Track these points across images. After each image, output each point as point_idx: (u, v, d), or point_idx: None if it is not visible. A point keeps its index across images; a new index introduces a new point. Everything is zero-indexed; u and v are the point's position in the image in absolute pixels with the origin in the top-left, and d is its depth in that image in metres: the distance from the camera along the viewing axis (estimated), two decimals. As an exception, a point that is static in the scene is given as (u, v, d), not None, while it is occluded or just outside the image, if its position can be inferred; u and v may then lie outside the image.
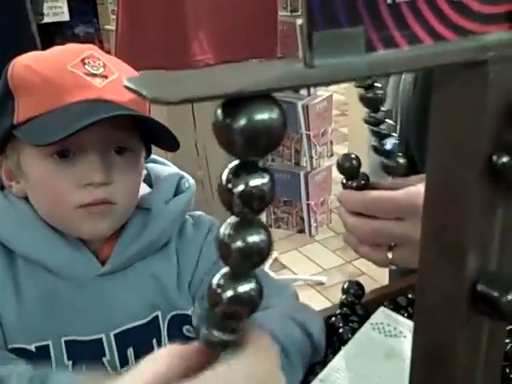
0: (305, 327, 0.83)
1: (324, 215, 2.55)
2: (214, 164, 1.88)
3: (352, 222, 0.82)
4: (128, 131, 0.84)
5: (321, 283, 2.82)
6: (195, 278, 0.92)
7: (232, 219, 0.32)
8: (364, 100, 0.80)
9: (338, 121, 3.67)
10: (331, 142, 2.55)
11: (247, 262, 0.32)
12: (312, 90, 2.45)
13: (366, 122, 0.83)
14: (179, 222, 0.93)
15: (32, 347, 0.83)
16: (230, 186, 0.31)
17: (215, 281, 0.34)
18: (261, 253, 0.32)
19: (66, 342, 0.84)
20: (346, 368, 0.83)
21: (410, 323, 0.90)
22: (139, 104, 0.85)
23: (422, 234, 0.41)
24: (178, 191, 0.93)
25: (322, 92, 2.59)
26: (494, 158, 0.37)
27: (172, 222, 0.91)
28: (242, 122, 0.30)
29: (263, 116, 0.30)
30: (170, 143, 0.86)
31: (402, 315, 0.93)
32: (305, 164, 2.48)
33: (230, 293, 0.33)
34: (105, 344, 0.85)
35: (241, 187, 0.31)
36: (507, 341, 0.81)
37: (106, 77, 0.82)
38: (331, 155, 2.57)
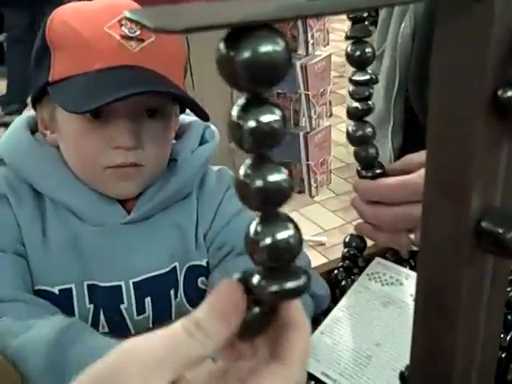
0: (316, 296, 0.87)
1: (324, 175, 2.55)
2: (212, 122, 1.88)
3: (370, 212, 0.81)
4: (161, 96, 0.84)
5: (321, 244, 2.83)
6: (212, 230, 0.93)
7: (248, 160, 0.32)
8: (351, 58, 0.79)
9: (336, 82, 3.65)
10: (330, 102, 2.53)
11: (268, 201, 0.32)
12: (310, 49, 2.42)
13: (351, 81, 0.82)
14: (202, 171, 0.94)
15: (56, 290, 0.84)
16: (240, 122, 0.31)
17: (252, 229, 0.33)
18: (282, 191, 0.32)
19: (88, 285, 0.86)
20: (345, 318, 0.85)
21: (405, 270, 0.91)
22: (173, 67, 0.85)
23: (426, 174, 0.41)
24: (202, 141, 0.94)
25: (321, 52, 2.56)
26: (499, 92, 0.36)
27: (196, 171, 0.92)
28: (246, 54, 0.30)
29: (267, 48, 0.30)
30: (200, 112, 0.87)
31: (404, 267, 0.94)
32: (304, 124, 2.47)
33: (268, 240, 0.33)
34: (123, 291, 0.87)
35: (251, 123, 0.30)
36: (509, 289, 0.82)
37: (142, 40, 0.81)
38: (330, 115, 2.55)
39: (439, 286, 0.43)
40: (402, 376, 0.53)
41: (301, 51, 2.44)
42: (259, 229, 0.33)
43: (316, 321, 0.85)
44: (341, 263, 0.96)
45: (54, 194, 0.86)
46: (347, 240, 1.00)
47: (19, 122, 0.91)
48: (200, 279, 0.92)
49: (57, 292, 0.85)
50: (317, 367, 0.79)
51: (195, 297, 0.91)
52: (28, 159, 0.86)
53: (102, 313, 0.86)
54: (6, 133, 0.91)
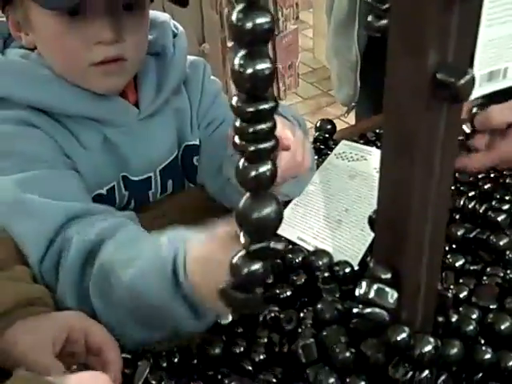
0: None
1: (292, 78, 2.60)
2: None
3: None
4: None
5: (290, 146, 2.91)
6: (201, 108, 1.00)
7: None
8: None
9: (302, -13, 3.63)
10: (297, 5, 2.55)
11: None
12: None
13: None
14: (186, 60, 0.98)
15: (104, 191, 0.90)
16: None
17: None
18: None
19: (122, 177, 0.92)
20: (316, 191, 0.93)
21: (369, 148, 1.00)
22: None
23: (389, 35, 0.48)
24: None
25: (287, -47, 2.56)
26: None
27: (184, 62, 0.97)
28: None
29: None
30: None
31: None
32: (271, 27, 2.49)
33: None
34: (153, 180, 0.95)
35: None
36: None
37: None
38: (297, 18, 2.58)
39: (401, 132, 0.51)
40: (370, 220, 0.61)
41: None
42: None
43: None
44: (312, 145, 1.04)
45: (69, 110, 0.86)
46: (318, 124, 1.08)
47: None
48: (195, 158, 1.00)
49: (105, 192, 0.90)
50: (292, 233, 0.88)
51: (192, 174, 1.00)
52: (25, 86, 0.84)
53: (133, 198, 0.94)
54: None
